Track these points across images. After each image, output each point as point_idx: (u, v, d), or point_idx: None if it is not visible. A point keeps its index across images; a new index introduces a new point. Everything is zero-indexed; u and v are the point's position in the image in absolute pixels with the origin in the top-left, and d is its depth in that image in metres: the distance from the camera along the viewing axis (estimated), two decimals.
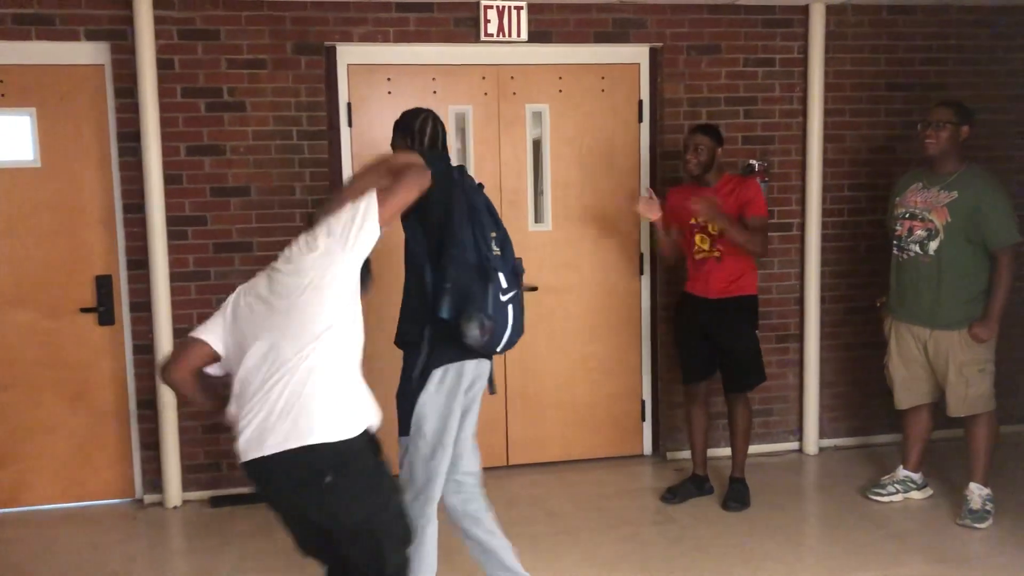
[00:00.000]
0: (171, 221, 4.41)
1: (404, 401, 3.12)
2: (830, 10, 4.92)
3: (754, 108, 4.98)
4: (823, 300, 5.11)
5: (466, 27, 4.64)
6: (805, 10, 4.92)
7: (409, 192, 2.73)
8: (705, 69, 4.91)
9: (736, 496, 4.41)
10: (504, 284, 3.01)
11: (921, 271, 4.19)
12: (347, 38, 4.54)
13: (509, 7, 4.63)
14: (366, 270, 2.71)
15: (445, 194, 2.98)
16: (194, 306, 4.47)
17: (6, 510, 4.46)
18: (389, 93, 4.72)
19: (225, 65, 4.43)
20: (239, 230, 4.51)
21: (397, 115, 4.65)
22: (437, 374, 3.06)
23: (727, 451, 4.64)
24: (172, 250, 4.43)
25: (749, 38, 4.93)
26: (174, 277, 4.44)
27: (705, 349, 4.40)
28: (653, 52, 4.95)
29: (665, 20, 4.83)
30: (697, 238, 4.33)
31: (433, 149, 3.19)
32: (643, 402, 5.18)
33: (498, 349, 3.07)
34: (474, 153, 4.83)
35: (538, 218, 4.95)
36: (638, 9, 4.79)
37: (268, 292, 2.59)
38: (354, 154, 4.70)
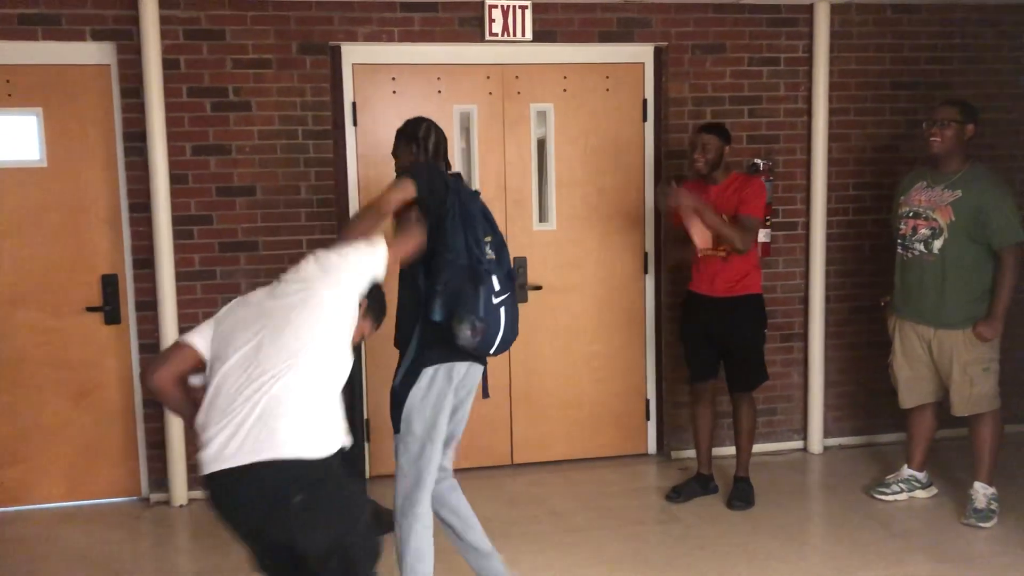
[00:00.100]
0: (177, 220, 4.43)
1: (396, 400, 3.19)
2: (835, 9, 4.92)
3: (759, 107, 4.98)
4: (828, 299, 5.11)
5: (471, 27, 4.64)
6: (810, 9, 4.92)
7: (404, 251, 2.95)
8: (710, 68, 4.91)
9: (740, 495, 4.41)
10: (497, 287, 3.09)
11: (925, 270, 4.19)
12: (352, 38, 4.55)
13: (514, 6, 4.64)
14: (380, 305, 2.84)
15: (439, 201, 3.07)
16: (200, 305, 4.48)
17: (13, 508, 4.48)
18: (394, 93, 4.72)
19: (230, 65, 4.44)
20: (245, 229, 4.52)
21: (402, 114, 4.68)
22: (428, 373, 3.13)
23: (732, 450, 4.65)
24: (178, 249, 4.44)
25: (754, 37, 4.93)
26: (180, 276, 4.45)
27: (711, 348, 4.40)
28: (658, 51, 4.95)
29: (670, 19, 4.83)
30: (707, 229, 4.31)
31: (436, 157, 3.31)
32: (647, 401, 5.18)
33: (491, 351, 3.15)
34: (478, 152, 4.84)
35: (543, 217, 4.95)
36: (643, 8, 4.79)
37: (265, 296, 2.61)
38: (359, 154, 4.71)
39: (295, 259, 4.48)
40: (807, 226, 5.07)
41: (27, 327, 4.46)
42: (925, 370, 4.31)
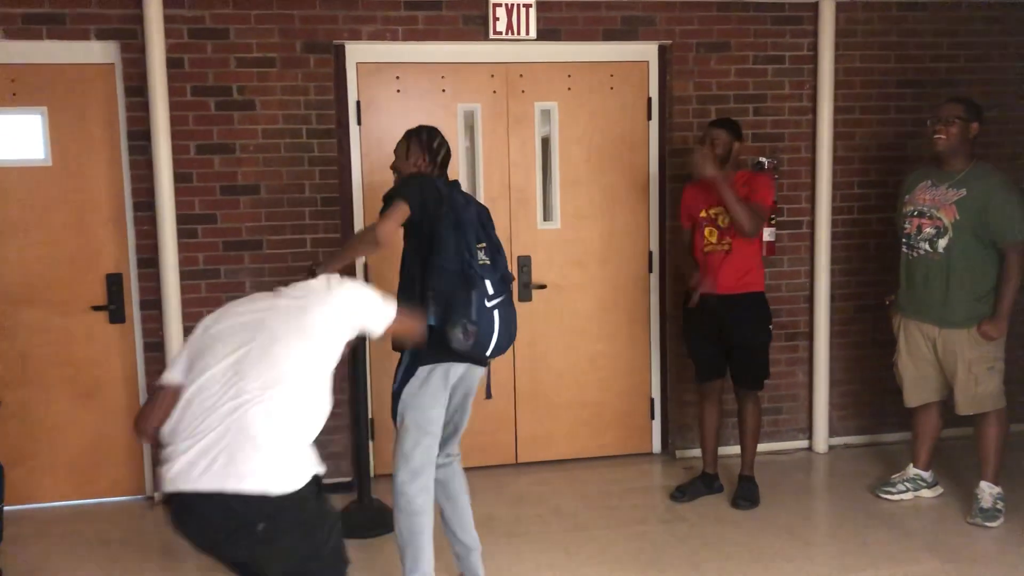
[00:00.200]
0: (181, 219, 4.43)
1: (395, 399, 3.30)
2: (840, 7, 4.91)
3: (763, 105, 4.97)
4: (833, 298, 5.10)
5: (475, 25, 4.64)
6: (815, 7, 4.91)
7: (405, 329, 2.89)
8: (714, 66, 4.90)
9: (746, 494, 4.41)
10: (491, 291, 3.18)
11: (931, 269, 4.18)
12: (356, 36, 4.55)
13: (518, 5, 4.63)
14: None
15: (435, 210, 3.18)
16: (204, 304, 4.48)
17: (18, 507, 4.48)
18: (398, 91, 4.72)
19: (234, 64, 4.44)
20: (249, 228, 4.53)
21: (406, 113, 4.71)
22: (423, 372, 3.22)
23: (736, 449, 4.64)
24: (182, 248, 4.44)
25: (758, 35, 4.92)
26: (184, 275, 4.45)
27: (716, 347, 4.39)
28: (662, 49, 4.94)
29: (674, 17, 4.82)
30: (706, 231, 4.32)
31: (440, 169, 3.44)
32: (652, 400, 5.17)
33: (487, 354, 3.23)
34: (483, 151, 4.83)
35: (547, 216, 4.95)
36: (647, 6, 4.78)
37: (255, 303, 2.53)
38: (363, 152, 4.70)
39: (299, 258, 4.55)
40: (812, 224, 5.06)
41: (32, 326, 4.46)
42: (930, 369, 4.30)
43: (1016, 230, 4.03)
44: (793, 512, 4.35)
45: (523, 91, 4.85)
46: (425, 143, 3.43)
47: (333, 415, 4.69)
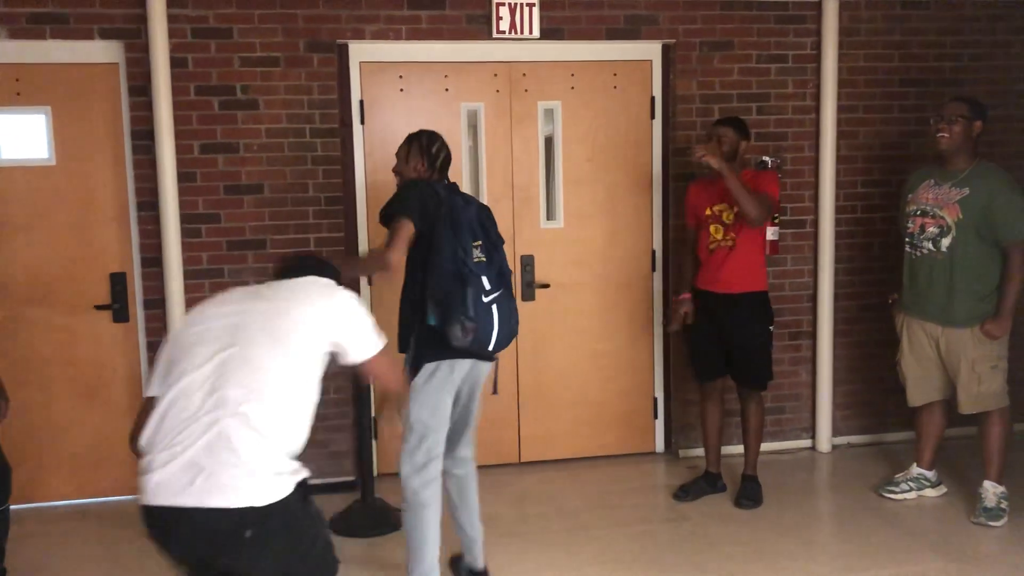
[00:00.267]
0: (185, 219, 4.43)
1: None
2: (843, 5, 4.90)
3: (767, 104, 4.97)
4: (836, 297, 5.09)
5: (478, 24, 4.64)
6: (818, 6, 4.90)
7: (384, 377, 2.70)
8: (718, 65, 4.90)
9: (749, 494, 4.41)
10: (487, 287, 3.25)
11: (934, 268, 4.17)
12: (359, 36, 4.55)
13: (521, 4, 4.63)
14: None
15: (434, 214, 3.26)
16: None
17: (21, 506, 4.48)
18: (401, 91, 4.72)
19: (238, 63, 4.44)
20: (252, 227, 4.53)
21: (410, 112, 4.72)
22: (428, 368, 3.28)
23: (740, 449, 4.64)
24: (186, 247, 4.45)
25: (762, 34, 4.92)
26: (188, 274, 4.46)
27: (717, 346, 4.39)
28: (665, 48, 4.94)
29: (677, 16, 4.82)
30: (712, 228, 4.31)
31: (439, 173, 3.50)
32: (655, 399, 5.17)
33: (489, 348, 3.29)
34: (486, 150, 4.83)
35: (550, 215, 4.95)
36: (650, 5, 4.78)
37: (241, 307, 2.41)
38: (367, 151, 4.71)
39: None
40: (815, 224, 5.06)
41: (36, 325, 4.47)
42: (933, 368, 4.30)
43: (1019, 229, 4.02)
44: (796, 512, 4.35)
45: (526, 90, 4.85)
46: (424, 148, 3.49)
47: (336, 414, 4.76)
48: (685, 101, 4.90)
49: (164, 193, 4.35)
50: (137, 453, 2.34)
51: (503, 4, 4.62)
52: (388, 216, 3.30)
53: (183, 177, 4.42)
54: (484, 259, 3.30)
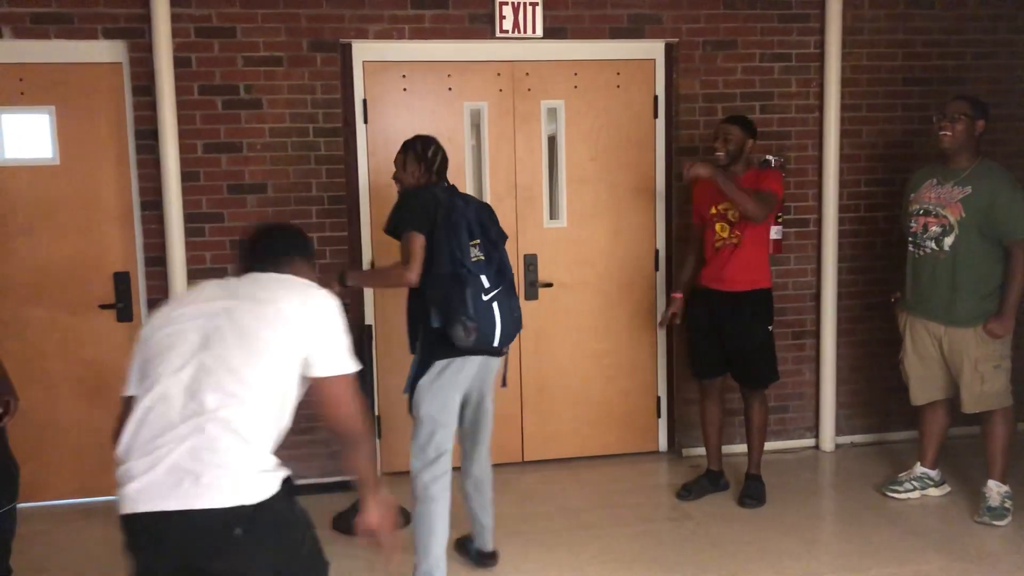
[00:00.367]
0: (188, 218, 4.44)
1: (410, 391, 3.46)
2: (847, 4, 4.89)
3: (770, 103, 4.96)
4: (840, 296, 5.09)
5: (481, 23, 4.64)
6: (821, 5, 4.90)
7: (338, 404, 2.41)
8: (721, 64, 4.89)
9: (752, 493, 4.40)
10: (487, 285, 3.35)
11: (937, 267, 4.17)
12: (362, 35, 4.55)
13: (524, 3, 4.63)
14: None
15: (433, 219, 3.35)
16: None
17: (26, 505, 4.47)
18: (404, 90, 4.73)
19: (242, 63, 4.45)
20: None
21: (413, 112, 4.72)
22: (439, 365, 3.37)
23: (743, 448, 4.64)
24: (189, 247, 4.45)
25: (765, 33, 4.92)
26: (191, 274, 4.46)
27: (717, 344, 4.39)
28: (669, 48, 4.94)
29: (681, 15, 4.82)
30: (717, 227, 4.31)
31: (437, 176, 3.58)
32: (658, 398, 5.17)
33: (495, 344, 3.38)
34: (489, 149, 4.83)
35: (553, 214, 4.95)
36: (654, 4, 4.78)
37: (216, 306, 2.30)
38: (370, 151, 4.71)
39: None
40: (819, 223, 5.05)
41: (40, 324, 4.48)
42: (936, 367, 4.29)
43: (1022, 227, 4.01)
44: (800, 511, 4.35)
45: (529, 89, 4.85)
46: (420, 154, 3.57)
47: None
48: (688, 100, 4.89)
49: (168, 192, 4.36)
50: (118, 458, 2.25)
51: (506, 3, 4.62)
52: (395, 229, 3.40)
53: (187, 176, 4.42)
54: (482, 258, 3.38)
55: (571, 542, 4.04)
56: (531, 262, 4.90)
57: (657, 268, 5.07)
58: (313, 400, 2.34)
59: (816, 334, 5.13)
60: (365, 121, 4.70)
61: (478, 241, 3.40)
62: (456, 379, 3.39)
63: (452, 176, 3.89)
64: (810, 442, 5.21)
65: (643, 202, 5.01)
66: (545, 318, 4.93)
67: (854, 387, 5.22)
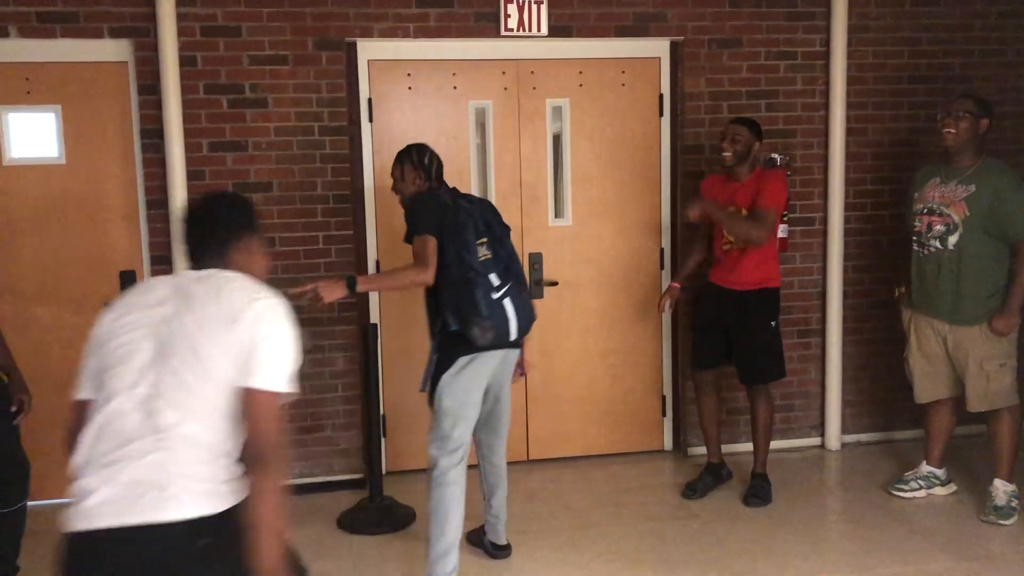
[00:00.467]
0: None
1: (432, 385, 3.53)
2: (852, 2, 4.88)
3: (776, 101, 4.95)
4: (845, 295, 5.08)
5: (486, 22, 4.64)
6: (827, 2, 4.88)
7: (264, 425, 2.17)
8: (726, 63, 4.89)
9: (757, 492, 4.40)
10: (497, 282, 3.43)
11: (942, 266, 4.16)
12: (368, 34, 4.55)
13: (529, 2, 4.63)
14: None
15: (441, 222, 3.44)
16: None
17: (32, 503, 4.49)
18: (409, 88, 4.73)
19: (247, 61, 4.45)
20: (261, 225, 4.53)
21: (417, 110, 4.73)
22: (462, 360, 3.45)
23: (749, 446, 4.63)
24: None
25: (770, 31, 4.91)
26: None
27: (719, 337, 4.41)
28: (674, 46, 4.93)
29: (686, 14, 4.81)
30: (724, 229, 4.32)
31: (436, 180, 3.68)
32: (664, 397, 5.17)
33: (512, 339, 3.48)
34: (494, 148, 4.83)
35: (558, 213, 4.94)
36: (659, 3, 4.77)
37: (166, 311, 2.18)
38: (375, 149, 4.71)
39: (311, 255, 4.56)
40: (824, 221, 5.04)
41: (46, 323, 4.49)
42: (941, 365, 4.28)
43: None
44: (805, 510, 4.34)
45: (534, 88, 4.85)
46: (417, 162, 3.67)
47: (345, 412, 4.76)
48: (694, 98, 4.89)
49: (173, 191, 4.37)
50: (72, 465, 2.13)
51: (511, 2, 4.61)
52: (410, 235, 3.48)
53: (192, 175, 4.43)
54: (490, 255, 3.46)
55: (576, 541, 4.04)
56: (536, 261, 4.89)
57: (662, 266, 5.06)
58: (240, 414, 2.12)
59: (822, 332, 5.12)
60: (370, 120, 4.70)
61: (485, 239, 3.48)
62: (479, 374, 3.47)
63: (457, 175, 3.92)
64: (816, 441, 5.20)
65: (648, 200, 5.01)
66: (550, 317, 4.93)
67: (860, 386, 5.21)
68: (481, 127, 4.83)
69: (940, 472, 4.45)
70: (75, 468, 2.09)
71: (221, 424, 2.12)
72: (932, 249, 4.19)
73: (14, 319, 4.46)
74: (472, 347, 3.41)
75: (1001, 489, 4.15)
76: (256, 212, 2.50)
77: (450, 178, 3.83)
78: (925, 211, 4.22)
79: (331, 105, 4.55)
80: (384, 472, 4.63)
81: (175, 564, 2.03)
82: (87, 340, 2.30)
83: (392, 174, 3.75)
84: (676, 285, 4.58)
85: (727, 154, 4.23)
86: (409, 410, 4.83)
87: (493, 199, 4.67)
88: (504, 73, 4.81)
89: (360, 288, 3.47)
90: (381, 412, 4.62)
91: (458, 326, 3.38)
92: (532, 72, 4.84)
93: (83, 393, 2.21)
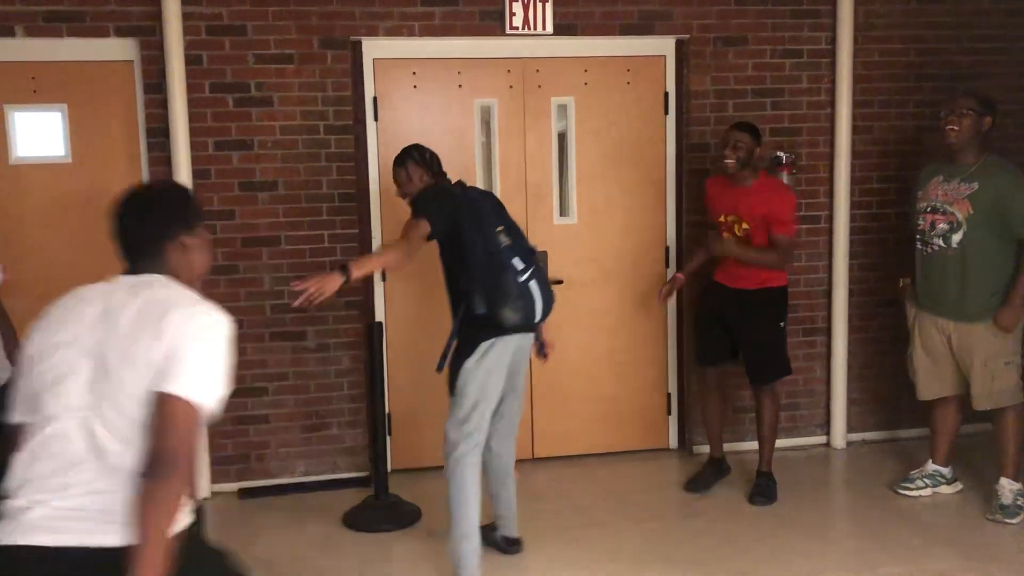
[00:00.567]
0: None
1: (452, 369, 3.58)
2: (859, 0, 4.87)
3: (781, 100, 4.95)
4: (851, 293, 5.07)
5: (491, 20, 4.64)
6: (833, 0, 4.87)
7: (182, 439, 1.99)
8: (732, 61, 4.88)
9: (763, 490, 4.40)
10: (520, 266, 3.49)
11: (946, 264, 4.15)
12: (373, 32, 4.56)
13: (534, 0, 4.63)
14: None
15: (451, 212, 3.48)
16: (223, 300, 4.46)
17: None
18: (415, 87, 4.73)
19: (252, 60, 4.46)
20: (267, 224, 4.55)
21: (423, 109, 4.76)
22: (484, 346, 3.49)
23: (754, 445, 4.63)
24: None
25: (776, 29, 4.90)
26: None
27: (722, 336, 4.43)
28: (679, 44, 4.92)
29: (691, 11, 4.80)
30: (726, 236, 4.32)
31: (440, 174, 3.75)
32: (669, 395, 5.17)
33: (538, 320, 3.58)
34: (499, 146, 4.83)
35: (563, 211, 4.94)
36: (664, 1, 4.76)
37: (96, 333, 2.04)
38: (380, 148, 4.71)
39: (317, 253, 4.57)
40: (830, 219, 5.03)
41: None
42: (944, 363, 4.28)
43: None
44: (811, 508, 4.34)
45: (539, 86, 4.85)
46: (418, 160, 3.73)
47: (351, 410, 4.76)
48: (699, 97, 4.88)
49: None
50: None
51: (516, 0, 4.61)
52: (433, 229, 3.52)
53: (198, 174, 4.44)
54: (509, 242, 3.53)
55: (582, 539, 4.04)
56: (541, 259, 4.89)
57: (667, 265, 5.06)
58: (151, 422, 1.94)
59: (827, 331, 5.11)
60: (375, 118, 4.71)
61: (502, 227, 3.55)
62: (501, 358, 3.52)
63: (462, 173, 3.92)
64: (821, 439, 5.19)
65: (653, 199, 5.00)
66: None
67: (865, 384, 5.20)
68: (486, 125, 4.83)
69: (946, 471, 4.44)
70: (7, 490, 1.98)
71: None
72: (935, 247, 4.18)
73: (21, 317, 4.47)
74: (493, 331, 3.46)
75: (1007, 488, 4.14)
76: (194, 202, 2.30)
77: (455, 176, 3.83)
78: (928, 209, 4.21)
79: (336, 104, 4.56)
80: (389, 470, 4.63)
81: None
82: (22, 357, 2.16)
83: (396, 179, 3.76)
84: (680, 276, 4.59)
85: (730, 161, 4.22)
86: (414, 408, 4.84)
87: (498, 197, 4.67)
88: (509, 71, 4.81)
89: (354, 274, 3.32)
90: (386, 410, 4.63)
91: (486, 308, 3.41)
92: (537, 70, 4.84)
93: (16, 416, 2.06)
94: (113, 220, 2.23)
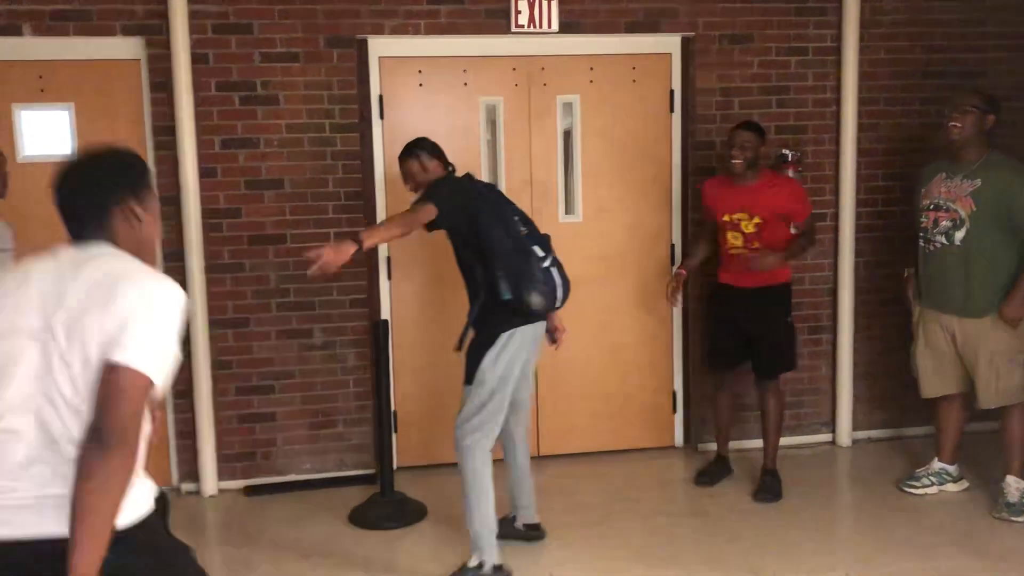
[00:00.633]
0: (206, 214, 4.47)
1: (470, 359, 3.62)
2: None
3: (787, 97, 4.94)
4: (856, 291, 5.07)
5: (497, 19, 4.64)
6: None
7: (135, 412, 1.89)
8: (737, 58, 4.87)
9: (768, 488, 4.40)
10: (541, 253, 3.57)
11: (949, 262, 4.14)
12: (379, 31, 4.56)
13: None
14: None
15: (466, 203, 3.53)
16: (229, 298, 4.53)
17: None
18: (420, 85, 4.73)
19: (259, 59, 4.47)
20: (273, 222, 4.56)
21: (428, 107, 4.77)
22: (504, 337, 3.54)
23: (759, 443, 4.63)
24: (207, 242, 4.48)
25: (782, 27, 4.89)
26: (209, 269, 4.49)
27: (735, 339, 4.42)
28: (685, 42, 4.92)
29: (697, 9, 4.80)
30: (730, 235, 4.33)
31: (449, 165, 3.80)
32: (674, 393, 5.17)
33: (557, 305, 3.64)
34: (504, 144, 4.84)
35: (569, 209, 4.95)
36: None
37: (33, 320, 1.90)
38: (386, 146, 4.72)
39: None
40: (836, 217, 5.03)
41: None
42: (948, 361, 4.27)
43: None
44: (816, 506, 4.34)
45: (545, 84, 4.85)
46: (431, 150, 3.76)
47: (357, 408, 4.77)
48: (705, 94, 4.88)
49: (185, 188, 4.39)
50: None
51: None
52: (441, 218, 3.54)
53: (204, 172, 4.45)
54: (526, 231, 3.59)
55: (587, 537, 4.04)
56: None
57: (673, 262, 5.06)
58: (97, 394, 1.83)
59: (833, 329, 5.11)
60: (381, 117, 4.71)
61: (517, 217, 3.61)
62: (519, 347, 3.56)
63: (468, 171, 3.91)
64: (827, 437, 5.19)
65: (659, 197, 5.00)
66: (561, 312, 4.91)
67: (871, 382, 5.19)
68: (492, 124, 4.84)
69: (952, 468, 4.44)
70: None
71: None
72: (938, 245, 4.17)
73: None
74: (511, 321, 3.50)
75: (1013, 486, 4.14)
76: (141, 166, 2.15)
77: (460, 173, 3.84)
78: (931, 207, 4.20)
79: (342, 102, 4.56)
80: (395, 467, 4.64)
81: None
82: None
83: (408, 170, 3.77)
84: (683, 272, 4.59)
85: (738, 162, 4.22)
86: (420, 406, 4.85)
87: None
88: (515, 70, 4.82)
89: (366, 243, 3.32)
90: (392, 408, 4.64)
91: (511, 294, 3.44)
92: (543, 68, 4.84)
93: None
94: (55, 187, 2.11)
